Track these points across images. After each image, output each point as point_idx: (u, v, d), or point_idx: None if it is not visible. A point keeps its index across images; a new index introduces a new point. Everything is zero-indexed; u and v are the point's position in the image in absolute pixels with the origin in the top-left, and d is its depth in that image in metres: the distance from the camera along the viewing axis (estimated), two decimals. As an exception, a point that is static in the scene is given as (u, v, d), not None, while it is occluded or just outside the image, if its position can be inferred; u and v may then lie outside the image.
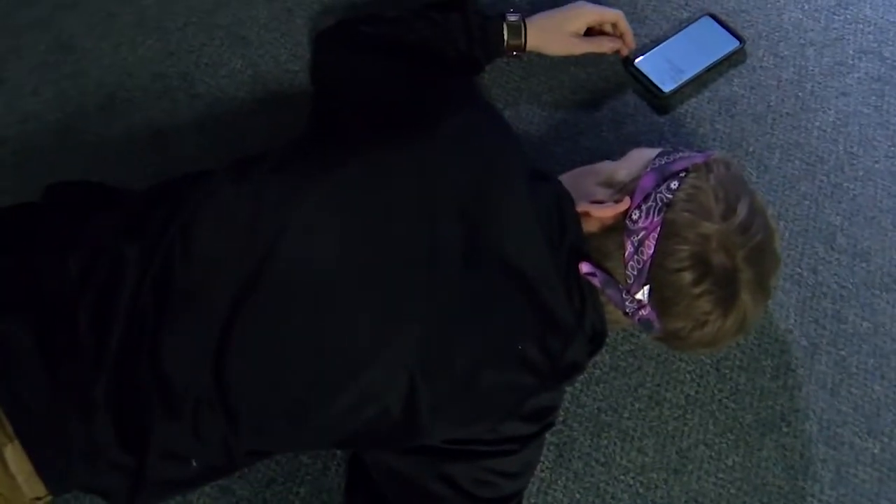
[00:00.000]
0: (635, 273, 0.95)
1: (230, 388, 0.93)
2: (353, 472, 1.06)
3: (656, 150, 1.03)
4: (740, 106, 1.33)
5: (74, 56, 1.35)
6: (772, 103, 1.33)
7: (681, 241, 0.93)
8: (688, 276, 0.93)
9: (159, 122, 1.31)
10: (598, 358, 1.13)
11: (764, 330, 1.17)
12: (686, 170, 0.97)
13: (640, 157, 1.04)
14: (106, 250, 0.96)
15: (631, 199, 0.97)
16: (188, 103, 1.33)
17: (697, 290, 0.93)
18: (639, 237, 0.95)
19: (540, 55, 1.31)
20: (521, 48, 1.29)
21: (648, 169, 0.99)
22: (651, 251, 0.94)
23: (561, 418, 1.11)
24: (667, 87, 1.33)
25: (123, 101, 1.32)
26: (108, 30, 1.38)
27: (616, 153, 1.11)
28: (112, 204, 1.09)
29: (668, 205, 0.94)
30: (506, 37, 1.28)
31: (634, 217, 0.96)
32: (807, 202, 1.25)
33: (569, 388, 1.12)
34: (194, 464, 0.97)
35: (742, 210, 0.94)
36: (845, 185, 1.27)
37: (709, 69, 1.35)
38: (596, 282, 0.97)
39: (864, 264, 1.21)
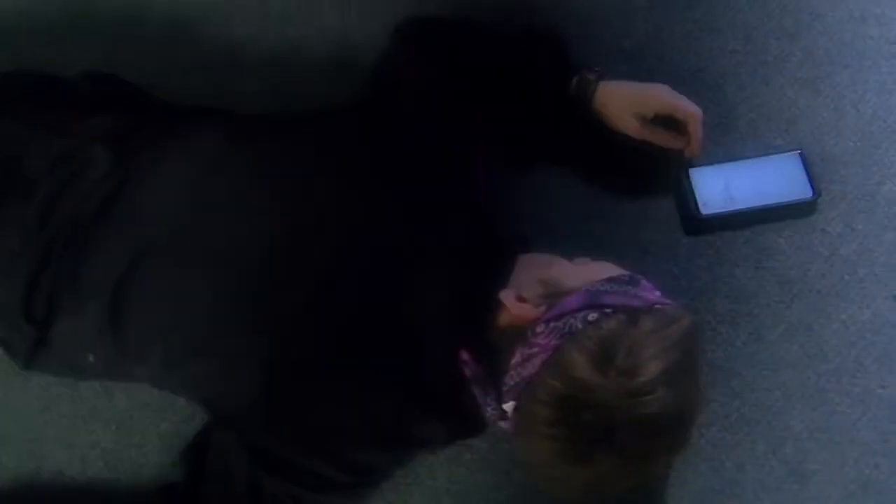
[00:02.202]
0: (511, 384, 0.92)
1: (125, 311, 1.01)
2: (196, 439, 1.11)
3: (620, 272, 0.97)
4: (773, 261, 1.20)
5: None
6: (809, 273, 1.19)
7: (560, 378, 0.87)
8: (544, 413, 0.87)
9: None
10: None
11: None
12: (615, 307, 0.90)
13: (592, 271, 0.99)
14: (85, 149, 1.06)
15: (546, 311, 0.92)
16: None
17: (547, 432, 0.88)
18: (530, 351, 0.90)
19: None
20: (584, 108, 1.22)
21: (584, 288, 0.93)
22: (531, 372, 0.89)
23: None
24: (706, 210, 1.21)
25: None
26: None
27: (606, 253, 1.05)
28: (123, 106, 1.17)
29: (572, 335, 0.89)
30: (572, 91, 1.21)
31: (537, 330, 0.91)
32: (778, 392, 1.13)
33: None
34: (91, 359, 1.07)
35: (649, 374, 0.86)
36: (831, 395, 1.13)
37: (765, 210, 1.21)
38: (468, 372, 0.95)
39: (796, 486, 1.09)
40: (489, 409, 0.96)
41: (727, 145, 1.28)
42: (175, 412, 1.15)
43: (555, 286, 0.97)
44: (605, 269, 1.00)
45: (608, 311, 0.91)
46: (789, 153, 1.24)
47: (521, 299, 0.96)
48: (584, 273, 0.99)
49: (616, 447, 0.86)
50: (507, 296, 0.96)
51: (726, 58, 1.34)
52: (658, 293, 0.98)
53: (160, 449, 1.13)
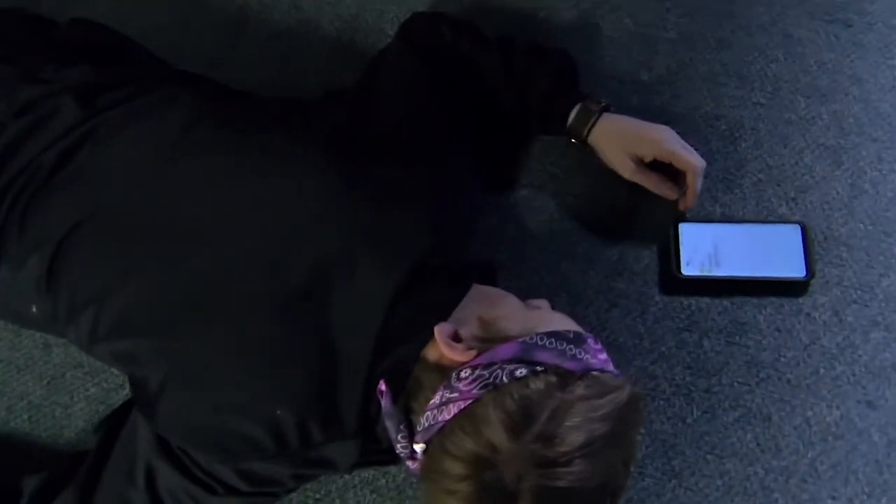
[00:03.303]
0: (426, 425, 0.86)
1: (61, 273, 0.99)
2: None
3: (567, 328, 0.91)
4: (747, 339, 1.12)
5: None
6: (783, 359, 1.11)
7: (471, 433, 0.82)
8: (450, 466, 0.82)
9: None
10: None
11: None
12: (548, 367, 0.85)
13: (537, 320, 0.92)
14: (55, 99, 1.04)
15: (478, 355, 0.87)
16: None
17: (450, 486, 0.83)
18: (451, 396, 0.85)
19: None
20: (581, 139, 1.16)
21: (520, 339, 0.87)
22: (447, 418, 0.84)
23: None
24: (687, 270, 1.13)
25: None
26: None
27: (572, 297, 1.00)
28: (106, 59, 1.15)
29: (495, 388, 0.83)
30: (570, 119, 1.15)
31: (462, 375, 0.85)
32: (720, 481, 1.06)
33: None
34: (34, 310, 1.06)
35: (568, 444, 0.80)
36: (776, 496, 1.05)
37: (751, 282, 1.13)
38: (383, 403, 0.90)
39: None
40: (399, 445, 0.91)
41: (727, 204, 1.19)
42: (106, 378, 1.14)
43: (493, 330, 0.91)
44: (553, 321, 0.93)
45: (539, 368, 0.85)
46: (790, 225, 1.15)
47: (455, 337, 0.90)
48: (528, 321, 0.93)
49: None
50: (441, 331, 0.90)
51: (748, 108, 1.25)
52: (603, 357, 0.92)
53: (85, 412, 1.13)
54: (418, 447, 0.88)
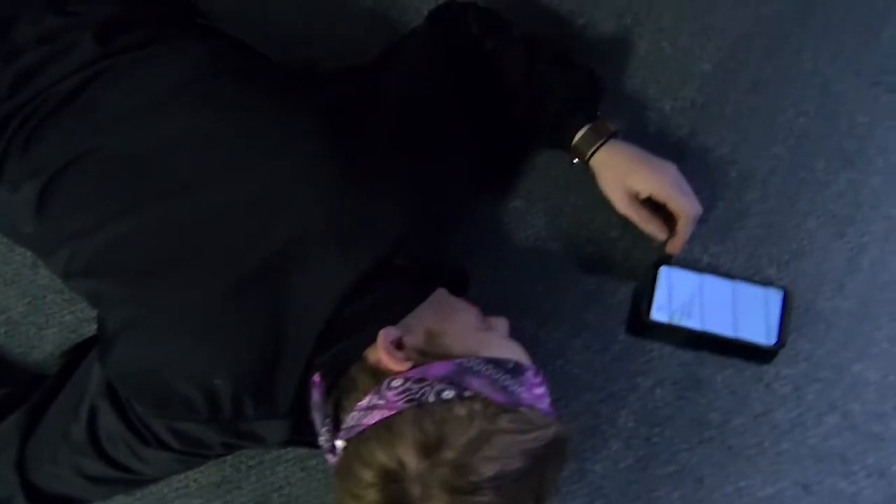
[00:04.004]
0: (350, 425, 0.88)
1: (50, 203, 1.03)
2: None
3: (509, 357, 0.91)
4: (699, 396, 1.11)
5: None
6: (730, 424, 1.09)
7: (385, 445, 0.83)
8: (361, 472, 0.84)
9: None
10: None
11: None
12: (475, 394, 0.85)
13: (483, 343, 0.93)
14: (76, 32, 1.07)
15: (413, 368, 0.88)
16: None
17: (357, 492, 0.84)
18: (378, 402, 0.86)
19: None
20: (583, 160, 1.14)
21: (457, 360, 0.88)
22: (369, 424, 0.86)
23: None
24: (657, 315, 1.11)
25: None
26: None
27: (536, 318, 1.00)
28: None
29: (419, 405, 0.84)
30: (577, 138, 1.13)
31: (394, 384, 0.86)
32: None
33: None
34: (29, 230, 1.11)
35: (479, 475, 0.81)
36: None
37: (719, 339, 1.10)
38: (313, 395, 0.93)
39: None
40: (321, 438, 0.94)
41: (716, 255, 1.16)
42: (83, 309, 1.19)
43: (436, 344, 0.92)
44: (499, 347, 0.94)
45: (467, 394, 0.86)
46: (774, 289, 1.12)
47: (398, 344, 0.91)
48: (473, 343, 0.93)
49: None
50: (385, 335, 0.91)
51: (764, 159, 1.20)
52: (539, 392, 0.91)
53: (56, 337, 1.18)
54: (339, 444, 0.90)
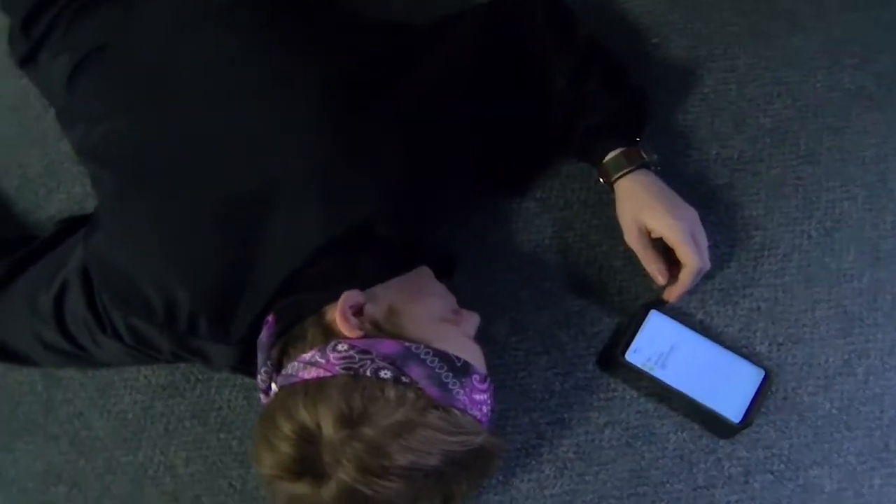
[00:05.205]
0: (288, 373, 0.89)
1: (78, 81, 1.08)
2: None
3: (459, 356, 0.90)
4: (646, 449, 1.07)
5: None
6: (667, 486, 1.06)
7: (310, 404, 0.84)
8: (281, 423, 0.84)
9: None
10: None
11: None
12: (412, 384, 0.85)
13: (440, 334, 0.91)
14: None
15: (363, 338, 0.88)
16: None
17: (273, 440, 0.85)
18: (320, 360, 0.87)
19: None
20: (608, 182, 1.11)
21: (408, 344, 0.87)
22: (304, 378, 0.87)
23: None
24: (630, 357, 1.08)
25: None
26: None
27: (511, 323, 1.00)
28: None
29: (355, 376, 0.84)
30: (607, 158, 1.10)
31: (339, 348, 0.87)
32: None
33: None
34: (61, 97, 1.15)
35: (391, 461, 0.81)
36: None
37: (685, 400, 1.06)
38: (262, 334, 0.94)
39: None
40: (260, 377, 0.95)
41: (712, 315, 1.12)
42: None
43: (393, 322, 0.91)
44: (454, 343, 0.92)
45: (404, 380, 0.85)
46: (757, 367, 1.07)
47: (357, 310, 0.91)
48: (430, 331, 0.92)
49: (324, 499, 0.82)
50: (347, 298, 0.90)
51: (793, 234, 1.14)
52: (480, 398, 0.90)
53: (62, 204, 1.22)
54: (274, 387, 0.91)
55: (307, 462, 0.83)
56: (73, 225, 1.12)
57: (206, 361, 1.03)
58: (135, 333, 1.01)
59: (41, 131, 1.25)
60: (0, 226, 1.22)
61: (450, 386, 0.88)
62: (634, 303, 1.12)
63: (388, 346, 0.87)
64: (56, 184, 1.22)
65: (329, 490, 0.82)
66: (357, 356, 0.86)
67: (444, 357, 0.89)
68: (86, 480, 1.10)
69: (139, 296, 0.97)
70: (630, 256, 1.10)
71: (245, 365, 1.01)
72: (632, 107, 1.13)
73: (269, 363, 0.92)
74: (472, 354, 0.93)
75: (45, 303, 1.04)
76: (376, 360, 0.86)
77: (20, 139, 1.25)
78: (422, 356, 0.88)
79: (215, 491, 1.09)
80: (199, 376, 1.14)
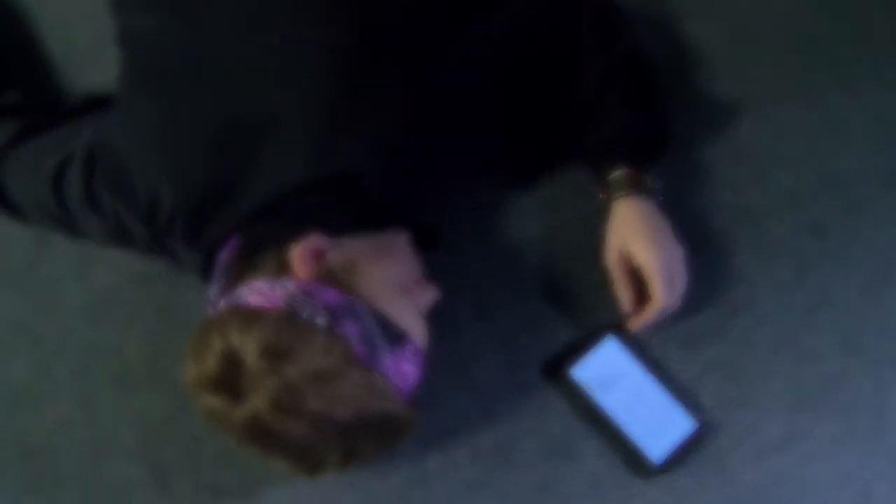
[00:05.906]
0: (236, 294, 0.92)
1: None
2: None
3: (399, 325, 0.92)
4: (563, 465, 1.07)
5: None
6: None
7: (243, 329, 0.86)
8: (214, 344, 0.88)
9: None
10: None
11: None
12: (341, 338, 0.87)
13: (389, 299, 0.93)
14: None
15: (315, 281, 0.90)
16: None
17: (203, 357, 0.88)
18: (266, 289, 0.90)
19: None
20: (605, 197, 1.11)
21: (351, 298, 0.90)
22: (247, 303, 0.90)
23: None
24: (574, 375, 1.08)
25: None
26: None
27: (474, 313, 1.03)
28: None
29: (291, 315, 0.87)
30: (610, 176, 1.09)
31: (287, 284, 0.90)
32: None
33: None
34: None
35: (303, 403, 0.84)
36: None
37: (613, 428, 1.06)
38: (223, 251, 0.98)
39: None
40: (211, 292, 0.99)
41: (669, 356, 1.11)
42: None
43: (348, 274, 0.93)
44: (401, 312, 0.94)
45: (336, 332, 0.88)
46: (691, 418, 1.07)
47: (318, 254, 0.93)
48: (381, 294, 0.93)
49: (234, 419, 0.86)
50: (311, 240, 0.92)
51: (778, 301, 1.12)
52: (406, 369, 0.92)
53: (98, 82, 1.26)
54: (222, 304, 0.95)
55: (227, 382, 0.87)
56: (99, 105, 1.17)
57: (177, 262, 1.08)
58: (117, 218, 1.06)
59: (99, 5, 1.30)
60: (36, 87, 1.28)
61: (379, 350, 0.90)
62: (599, 323, 1.12)
63: (331, 296, 0.90)
64: (101, 66, 1.27)
65: (241, 412, 0.86)
66: (300, 296, 0.89)
67: (383, 321, 0.91)
68: (48, 339, 1.15)
69: (129, 186, 1.02)
70: (605, 276, 1.10)
71: (209, 276, 1.05)
72: (648, 131, 1.11)
73: (223, 280, 0.96)
74: (415, 327, 0.95)
75: (47, 168, 1.09)
76: (317, 306, 0.88)
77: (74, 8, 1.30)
78: (361, 315, 0.90)
79: (156, 379, 1.12)
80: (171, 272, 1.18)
